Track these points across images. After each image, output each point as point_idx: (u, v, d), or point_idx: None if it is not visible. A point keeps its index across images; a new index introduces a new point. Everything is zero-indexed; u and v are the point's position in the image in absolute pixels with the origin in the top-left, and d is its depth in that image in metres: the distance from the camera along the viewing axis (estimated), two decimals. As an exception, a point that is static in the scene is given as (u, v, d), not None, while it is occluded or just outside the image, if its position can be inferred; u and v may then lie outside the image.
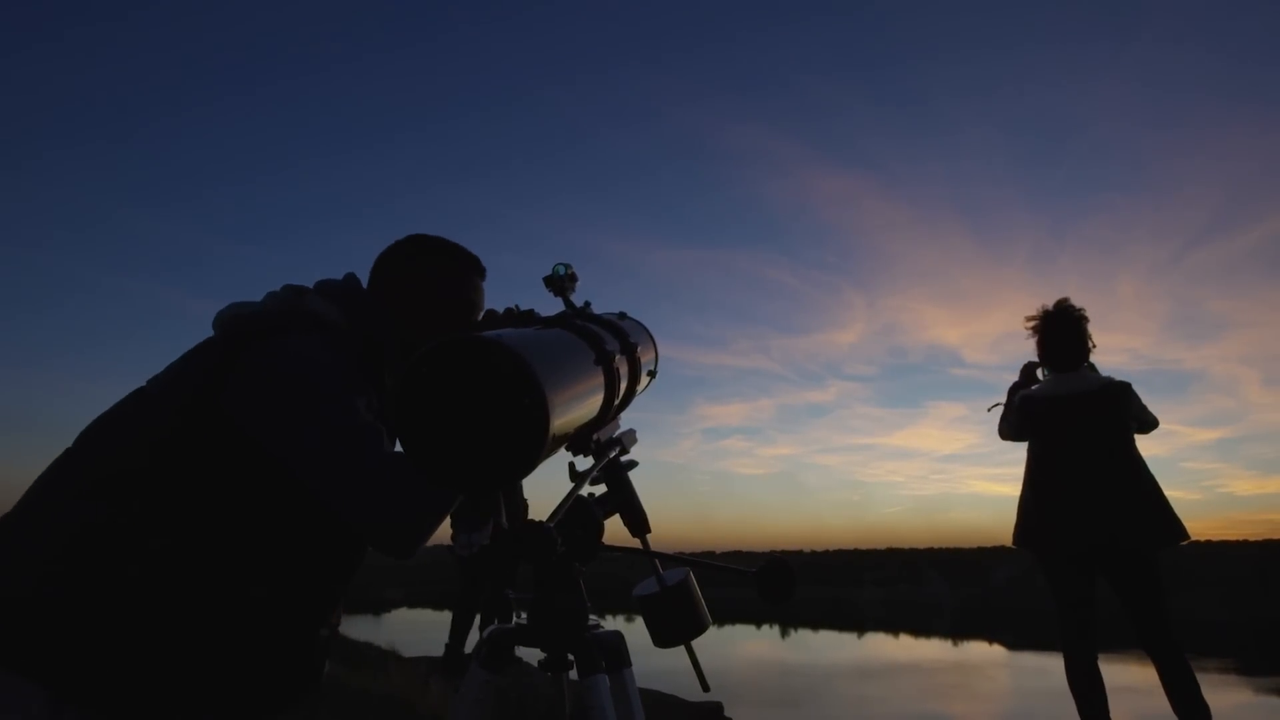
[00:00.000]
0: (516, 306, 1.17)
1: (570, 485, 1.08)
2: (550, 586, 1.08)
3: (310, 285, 1.40)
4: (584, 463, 1.15)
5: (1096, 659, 3.22)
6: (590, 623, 1.12)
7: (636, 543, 1.17)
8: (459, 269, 1.50)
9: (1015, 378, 3.71)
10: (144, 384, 1.28)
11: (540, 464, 0.87)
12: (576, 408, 0.95)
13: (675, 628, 1.14)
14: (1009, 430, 3.59)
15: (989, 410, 3.71)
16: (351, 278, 1.46)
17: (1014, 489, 3.57)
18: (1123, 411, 3.39)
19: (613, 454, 1.13)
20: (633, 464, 1.19)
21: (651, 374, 1.41)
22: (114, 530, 1.10)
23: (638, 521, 1.16)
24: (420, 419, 0.83)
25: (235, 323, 1.26)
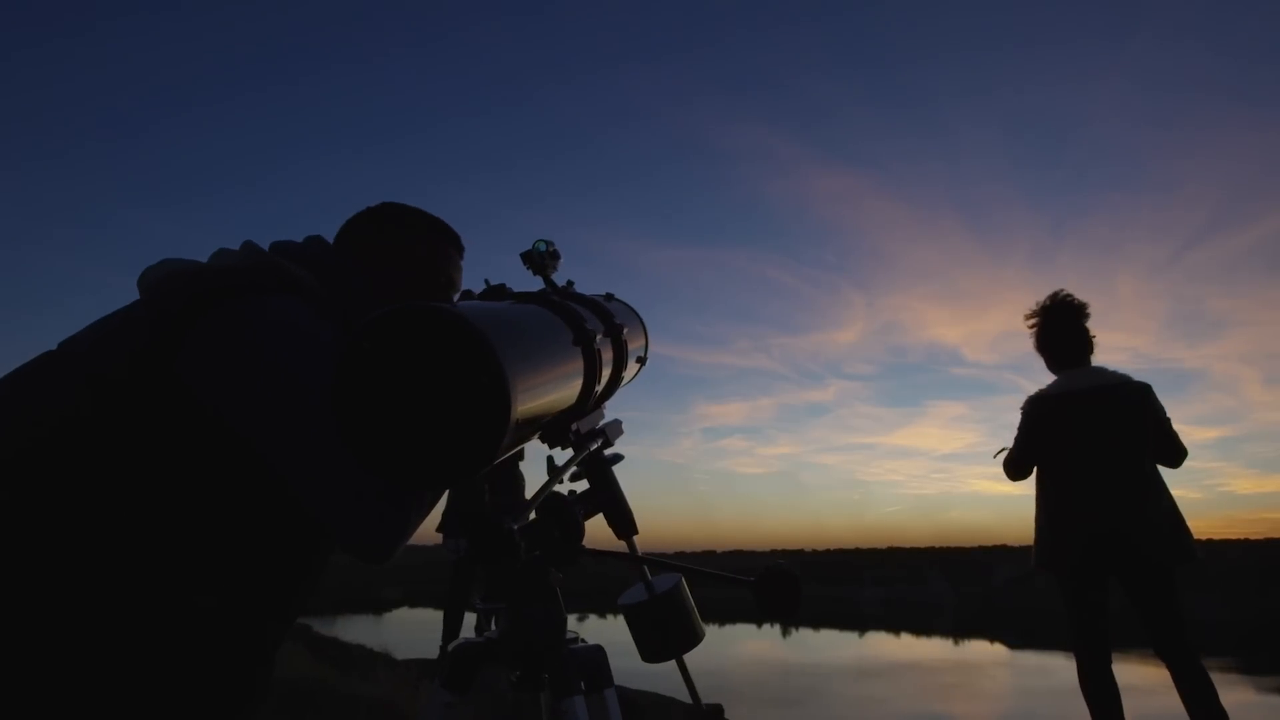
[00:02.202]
0: (488, 281, 1.05)
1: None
2: (522, 595, 0.97)
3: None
4: (564, 457, 1.03)
5: (1111, 667, 3.10)
6: (569, 636, 1.00)
7: (622, 545, 1.05)
8: (438, 242, 1.36)
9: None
10: (54, 347, 1.08)
11: (503, 456, 0.75)
12: (548, 392, 0.83)
13: (665, 641, 1.02)
14: (1015, 455, 3.38)
15: (995, 456, 3.52)
16: (319, 240, 1.28)
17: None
18: (1144, 413, 3.23)
19: (594, 446, 1.01)
20: (617, 458, 1.07)
21: (641, 361, 1.29)
22: (8, 520, 0.93)
23: (623, 521, 1.04)
24: (362, 401, 0.71)
25: (189, 279, 1.07)
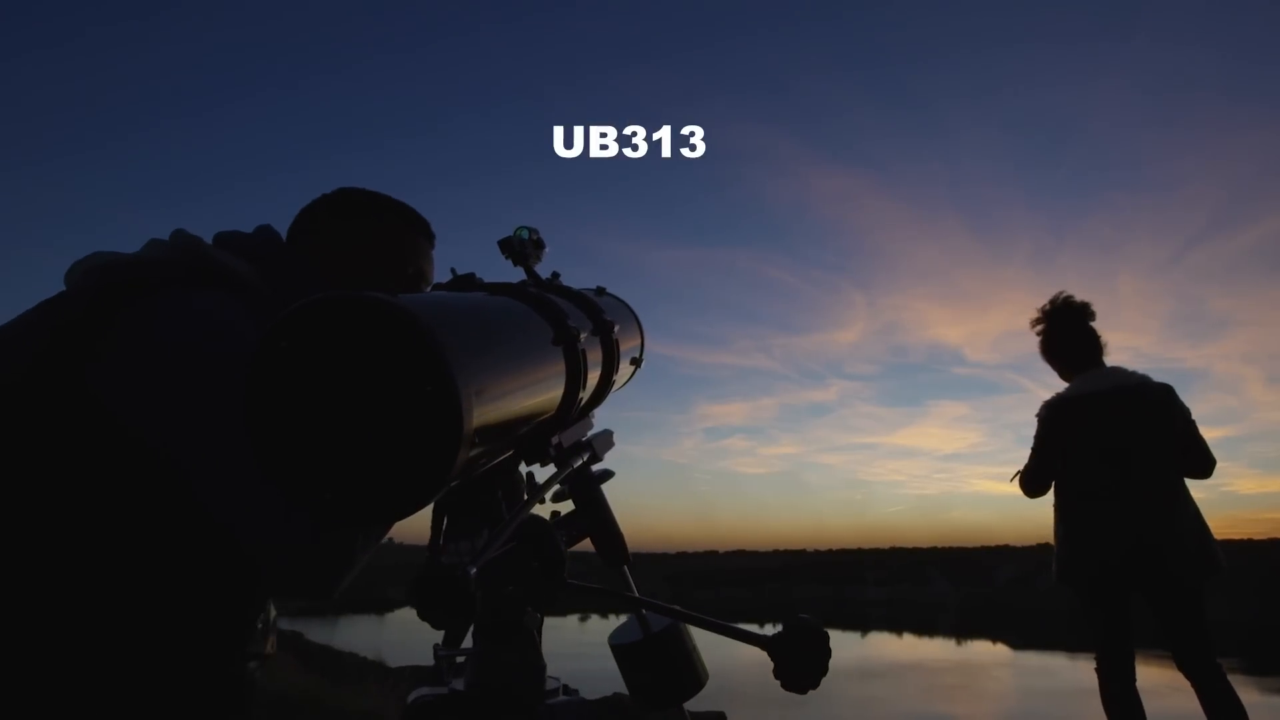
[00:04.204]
0: (454, 270, 0.90)
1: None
2: (493, 638, 0.82)
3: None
4: (545, 473, 0.89)
5: (1135, 685, 2.95)
6: (550, 686, 0.86)
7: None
8: (403, 230, 1.22)
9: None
10: None
11: (463, 478, 0.61)
12: (518, 400, 0.69)
13: (663, 687, 0.88)
14: (1033, 466, 3.22)
15: (1011, 480, 3.35)
16: (268, 230, 1.16)
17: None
18: (1170, 416, 3.05)
19: (579, 462, 0.86)
20: (606, 474, 0.93)
21: (636, 362, 1.15)
22: None
23: (614, 549, 0.90)
24: (281, 416, 0.57)
25: (108, 272, 0.95)
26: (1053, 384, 3.34)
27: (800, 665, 0.66)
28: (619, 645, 0.89)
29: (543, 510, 0.89)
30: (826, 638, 0.67)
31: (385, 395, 0.55)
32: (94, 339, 0.88)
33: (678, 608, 0.83)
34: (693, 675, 0.89)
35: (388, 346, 0.54)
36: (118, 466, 0.87)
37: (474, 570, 0.57)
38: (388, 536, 1.03)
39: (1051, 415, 3.20)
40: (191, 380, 0.87)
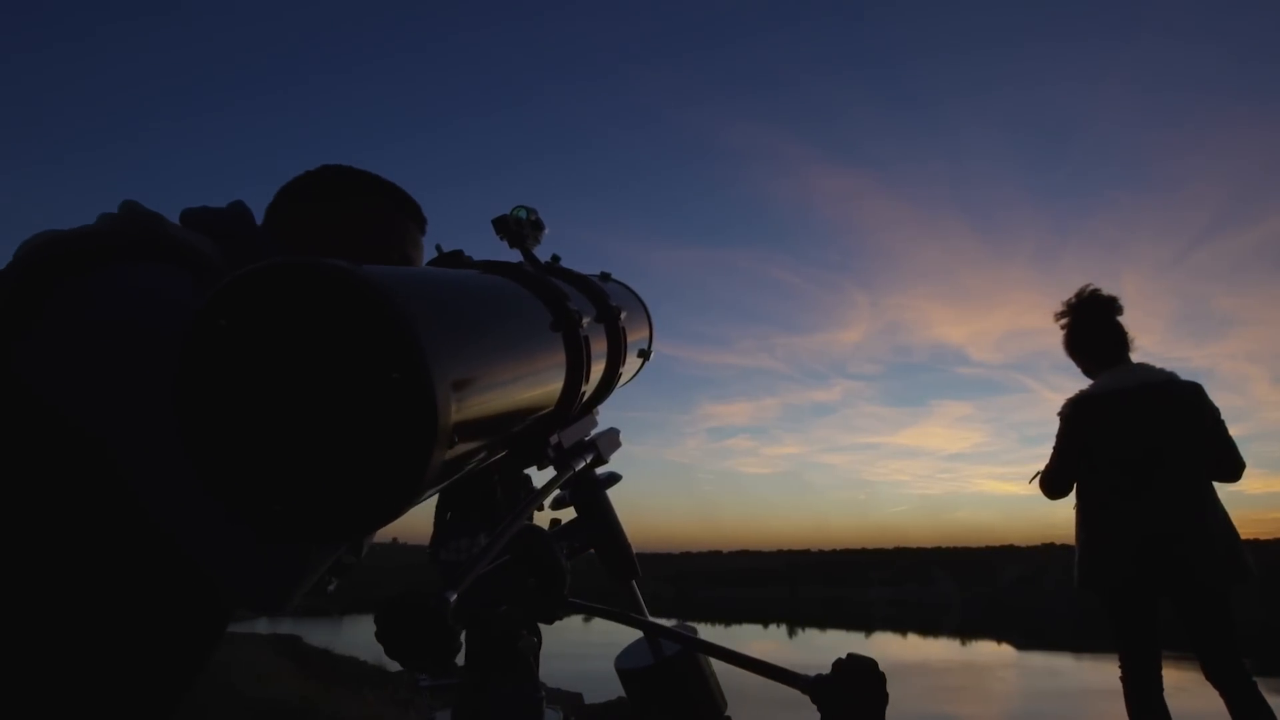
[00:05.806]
0: (440, 247, 0.81)
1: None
2: (484, 666, 0.73)
3: None
4: (544, 477, 0.79)
5: (1162, 694, 2.83)
6: None
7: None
8: (389, 211, 1.13)
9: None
10: None
11: (439, 486, 0.51)
12: (509, 392, 0.59)
13: (676, 717, 0.78)
14: (1054, 465, 3.09)
15: (1030, 481, 3.23)
16: (239, 207, 1.06)
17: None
18: (1200, 414, 2.94)
19: (581, 465, 0.76)
20: (613, 478, 0.83)
21: (644, 354, 1.05)
22: None
23: (621, 560, 0.80)
24: (221, 410, 0.47)
25: (49, 246, 0.86)
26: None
27: (852, 715, 0.56)
28: (627, 670, 0.80)
29: (541, 519, 0.80)
30: (882, 679, 0.57)
31: (346, 385, 0.45)
32: (21, 316, 0.80)
33: (699, 637, 0.73)
34: (710, 705, 0.79)
35: (347, 325, 0.45)
36: (51, 453, 0.78)
37: (454, 597, 0.47)
38: (389, 536, 0.94)
39: (1075, 413, 3.08)
40: (125, 363, 0.78)
